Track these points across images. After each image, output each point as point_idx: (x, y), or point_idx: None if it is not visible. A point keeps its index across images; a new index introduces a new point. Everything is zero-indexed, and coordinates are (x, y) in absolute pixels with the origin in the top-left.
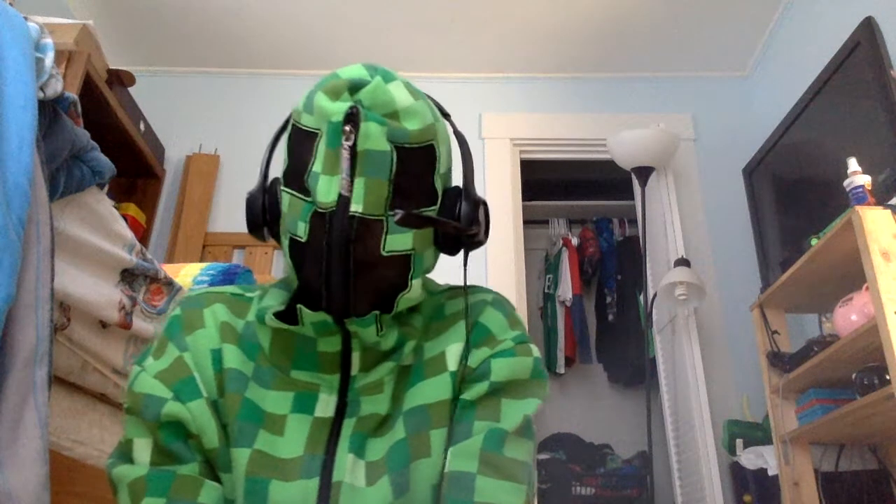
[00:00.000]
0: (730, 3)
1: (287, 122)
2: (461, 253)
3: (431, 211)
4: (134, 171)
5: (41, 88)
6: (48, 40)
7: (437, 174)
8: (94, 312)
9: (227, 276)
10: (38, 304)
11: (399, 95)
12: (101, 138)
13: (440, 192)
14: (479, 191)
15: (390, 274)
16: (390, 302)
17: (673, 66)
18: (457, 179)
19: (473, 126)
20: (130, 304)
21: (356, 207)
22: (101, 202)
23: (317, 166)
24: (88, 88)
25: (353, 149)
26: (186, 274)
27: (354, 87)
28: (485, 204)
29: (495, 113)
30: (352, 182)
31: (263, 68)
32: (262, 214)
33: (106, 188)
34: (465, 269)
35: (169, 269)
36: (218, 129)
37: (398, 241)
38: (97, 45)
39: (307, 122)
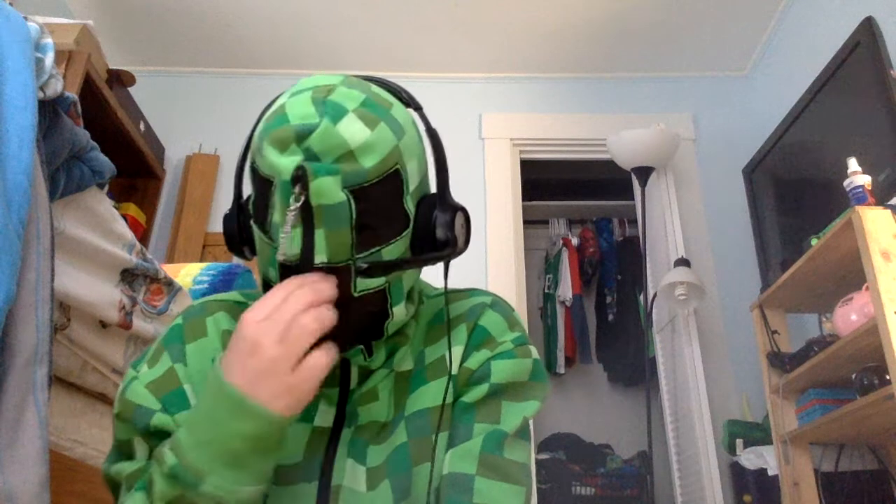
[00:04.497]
0: (730, 3)
1: (250, 140)
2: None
3: (404, 237)
4: (134, 171)
5: (41, 88)
6: (48, 40)
7: (407, 195)
8: (94, 312)
9: (227, 276)
10: (38, 304)
11: (351, 133)
12: (101, 138)
13: (413, 211)
14: (479, 191)
15: (369, 308)
16: (379, 328)
17: (673, 66)
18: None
19: (473, 126)
20: (130, 304)
21: (321, 258)
22: (101, 202)
23: (276, 217)
24: (88, 88)
25: (307, 203)
26: (186, 274)
27: (301, 136)
28: (463, 210)
29: (495, 113)
30: (313, 234)
31: (263, 68)
32: (239, 234)
33: (106, 188)
34: (445, 282)
35: (169, 269)
36: (218, 129)
37: (369, 281)
38: (97, 45)
39: (261, 165)
